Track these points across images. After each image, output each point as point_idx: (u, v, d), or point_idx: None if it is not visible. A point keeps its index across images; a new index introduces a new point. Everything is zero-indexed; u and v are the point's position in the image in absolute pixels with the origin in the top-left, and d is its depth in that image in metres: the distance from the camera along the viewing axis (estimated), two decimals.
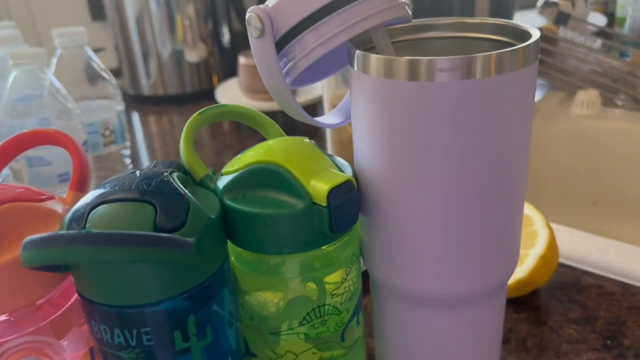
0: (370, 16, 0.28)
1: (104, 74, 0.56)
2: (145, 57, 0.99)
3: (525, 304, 0.43)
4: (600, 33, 0.87)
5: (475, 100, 0.25)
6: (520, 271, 0.40)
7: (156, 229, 0.24)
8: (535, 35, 0.26)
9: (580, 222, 0.82)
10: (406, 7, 0.30)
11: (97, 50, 1.06)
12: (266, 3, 0.29)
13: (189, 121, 0.31)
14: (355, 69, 0.27)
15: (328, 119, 0.34)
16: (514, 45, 0.27)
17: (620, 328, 0.40)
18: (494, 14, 0.99)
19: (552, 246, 0.41)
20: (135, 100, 1.05)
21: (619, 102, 0.78)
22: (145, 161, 0.79)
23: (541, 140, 0.78)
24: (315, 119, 0.33)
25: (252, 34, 0.28)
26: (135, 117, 0.99)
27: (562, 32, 0.85)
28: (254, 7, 0.28)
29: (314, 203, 0.27)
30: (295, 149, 0.29)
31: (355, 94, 0.28)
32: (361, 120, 0.28)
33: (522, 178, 0.29)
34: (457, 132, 0.25)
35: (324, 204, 0.27)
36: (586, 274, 0.46)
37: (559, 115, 0.78)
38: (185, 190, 0.27)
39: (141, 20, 0.96)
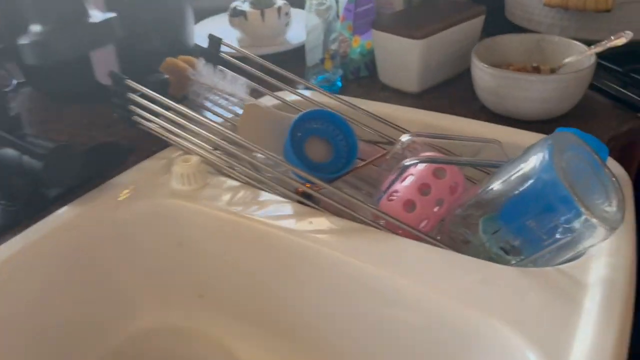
0: None
1: None
2: None
3: None
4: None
5: None
6: None
7: None
8: None
9: (187, 319, 0.68)
10: None
11: None
12: None
13: None
14: None
15: None
16: None
17: None
18: (169, 25, 0.79)
19: None
20: None
21: (237, 171, 0.61)
22: None
23: (131, 221, 0.61)
24: None
25: None
26: None
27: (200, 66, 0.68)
28: None
29: None
30: None
31: None
32: None
33: None
34: None
35: None
36: None
37: (152, 189, 0.61)
38: None
39: None
